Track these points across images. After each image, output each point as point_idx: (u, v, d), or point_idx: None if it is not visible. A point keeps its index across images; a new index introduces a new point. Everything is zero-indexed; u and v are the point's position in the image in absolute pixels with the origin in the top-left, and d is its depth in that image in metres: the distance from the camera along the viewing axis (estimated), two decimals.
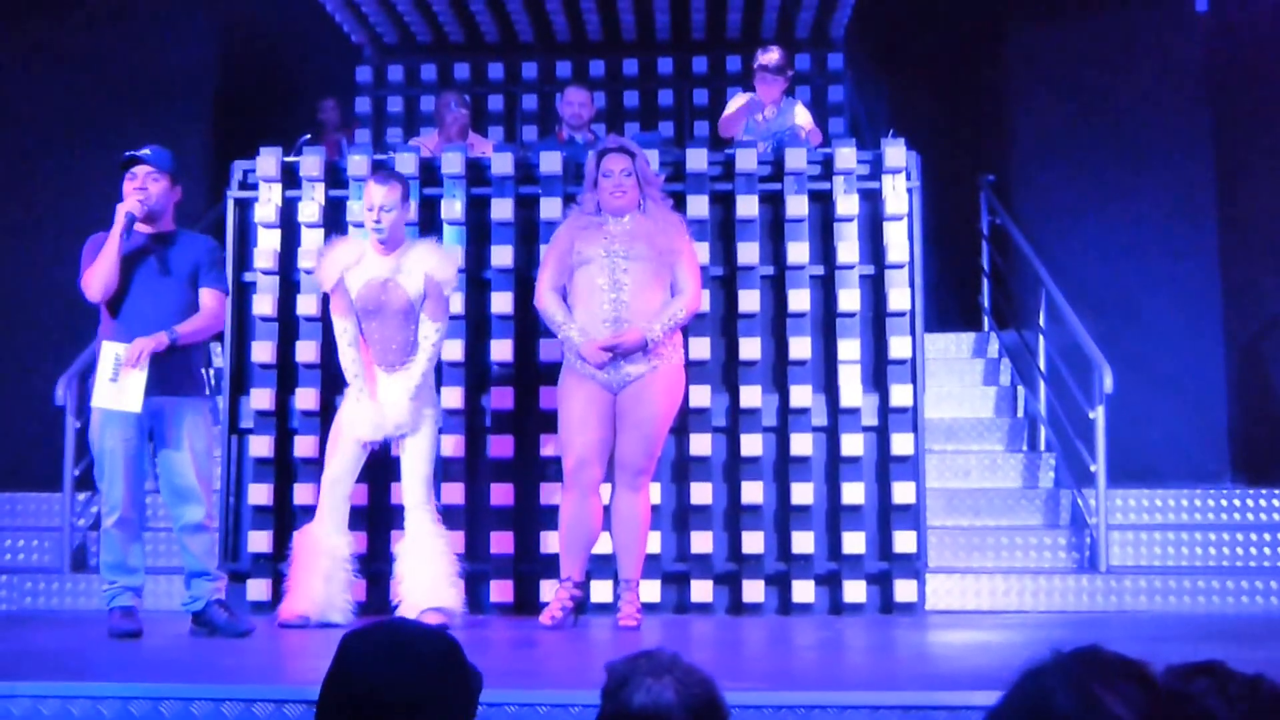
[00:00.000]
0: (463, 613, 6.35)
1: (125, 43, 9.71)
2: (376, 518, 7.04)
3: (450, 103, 8.86)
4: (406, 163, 7.32)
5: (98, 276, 6.01)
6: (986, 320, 9.44)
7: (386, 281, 6.40)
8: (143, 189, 6.14)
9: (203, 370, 6.36)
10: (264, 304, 7.28)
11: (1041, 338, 8.43)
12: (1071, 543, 7.42)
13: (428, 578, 6.23)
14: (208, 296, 6.21)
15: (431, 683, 2.38)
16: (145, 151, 6.19)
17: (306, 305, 7.21)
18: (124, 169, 6.17)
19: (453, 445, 7.11)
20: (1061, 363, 8.04)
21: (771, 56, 8.25)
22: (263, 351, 7.25)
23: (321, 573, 6.33)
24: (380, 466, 6.75)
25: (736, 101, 8.41)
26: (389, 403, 6.34)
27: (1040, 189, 9.24)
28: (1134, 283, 8.83)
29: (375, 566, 6.93)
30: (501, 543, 7.07)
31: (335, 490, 6.43)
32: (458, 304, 7.12)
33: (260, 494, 7.17)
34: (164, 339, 6.03)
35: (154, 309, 6.08)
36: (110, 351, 5.99)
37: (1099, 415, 7.27)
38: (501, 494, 7.11)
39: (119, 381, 5.97)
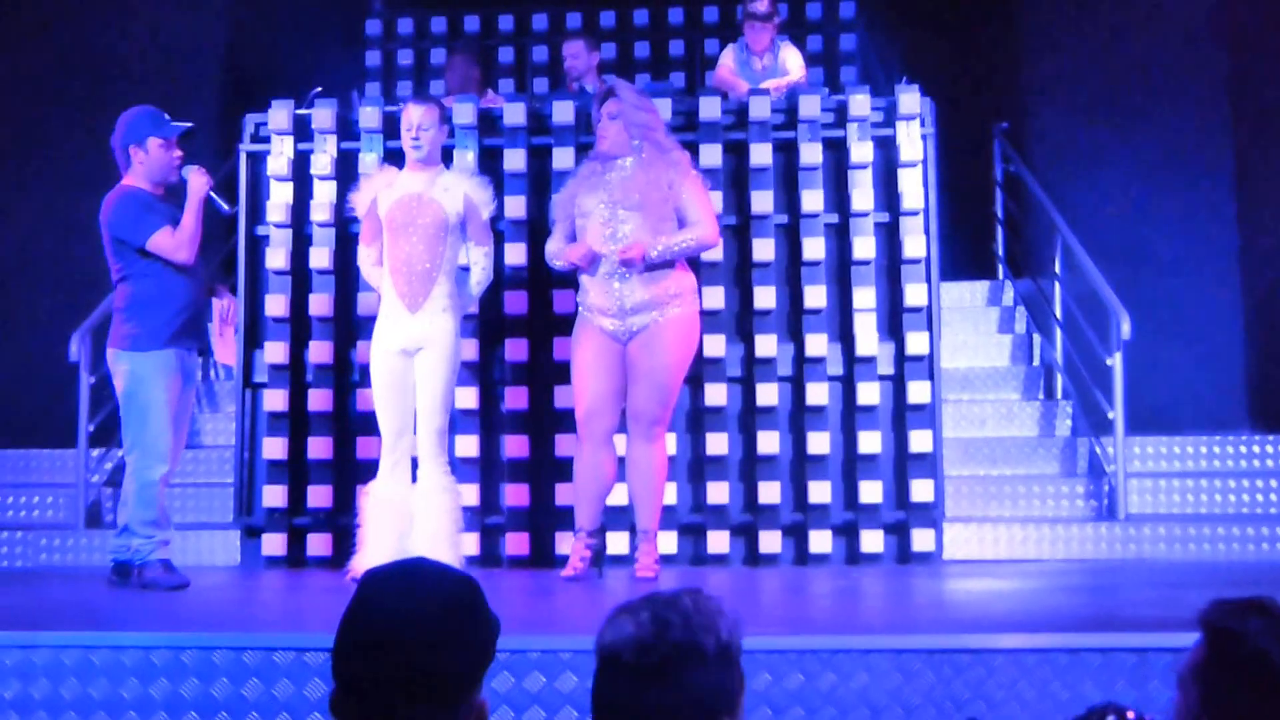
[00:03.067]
0: (463, 566, 6.33)
1: None
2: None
3: (456, 61, 8.81)
4: None
5: (191, 243, 6.28)
6: (1001, 269, 9.42)
7: (420, 196, 6.40)
8: (187, 161, 6.43)
9: None
10: (277, 257, 7.29)
11: (1057, 285, 8.40)
12: (1089, 491, 7.42)
13: (430, 533, 6.24)
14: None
15: (450, 621, 2.35)
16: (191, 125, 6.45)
17: (319, 258, 7.23)
18: (171, 138, 6.38)
19: (467, 398, 7.12)
20: (1078, 310, 8.04)
21: (760, 4, 8.29)
22: (276, 305, 7.27)
23: (395, 531, 6.28)
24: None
25: (726, 62, 8.41)
26: (420, 315, 6.33)
27: (1055, 136, 9.18)
28: (1150, 230, 8.79)
29: None
30: (517, 495, 7.07)
31: (399, 445, 6.38)
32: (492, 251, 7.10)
33: (275, 448, 7.18)
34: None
35: (198, 269, 6.43)
36: (217, 308, 6.48)
37: (1117, 362, 7.27)
38: (516, 446, 7.11)
39: (224, 337, 6.41)
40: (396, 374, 6.35)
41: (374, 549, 6.25)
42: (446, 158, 7.20)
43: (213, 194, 6.38)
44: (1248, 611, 2.44)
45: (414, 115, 6.42)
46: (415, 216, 6.36)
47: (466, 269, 6.53)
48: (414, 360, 6.35)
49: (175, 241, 6.22)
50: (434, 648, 2.32)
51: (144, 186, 6.34)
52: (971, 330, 8.74)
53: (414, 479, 6.39)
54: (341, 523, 6.91)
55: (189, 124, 6.45)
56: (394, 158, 6.94)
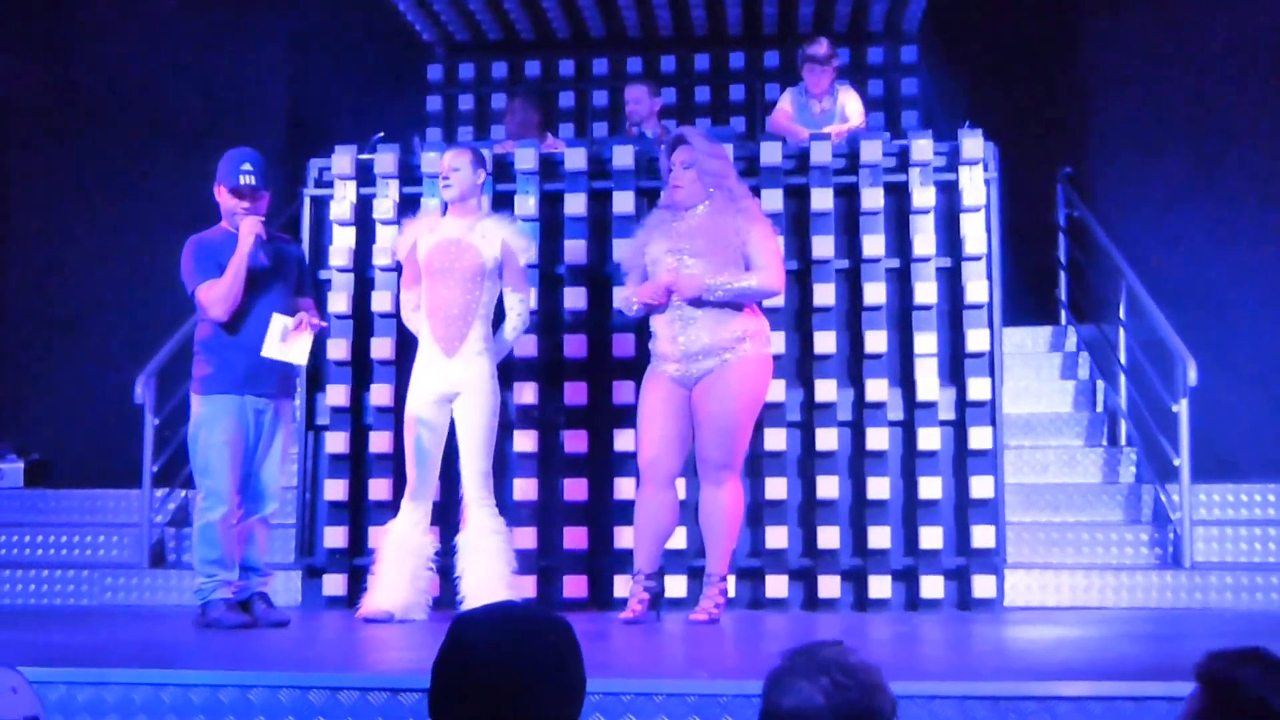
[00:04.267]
0: None
1: (202, 45, 9.91)
2: (448, 513, 7.01)
3: (516, 106, 8.90)
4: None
5: (227, 298, 6.26)
6: (1064, 314, 9.39)
7: (459, 240, 6.51)
8: (258, 210, 6.38)
9: None
10: (339, 301, 7.37)
11: (1122, 331, 8.38)
12: (1154, 538, 7.39)
13: (483, 576, 6.31)
14: (310, 305, 6.58)
15: (547, 665, 2.37)
16: (254, 181, 6.40)
17: (381, 302, 7.28)
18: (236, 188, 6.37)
19: (526, 441, 7.17)
20: (1143, 356, 8.00)
21: (819, 48, 8.33)
22: (338, 348, 7.34)
23: (408, 572, 6.40)
24: (452, 462, 6.75)
25: (784, 107, 8.48)
26: (456, 360, 6.43)
27: (1119, 180, 9.19)
28: (1216, 275, 8.73)
29: (447, 561, 6.93)
30: (575, 538, 7.11)
31: (422, 490, 6.49)
32: (531, 299, 7.12)
33: (336, 489, 7.26)
34: (321, 322, 6.55)
35: (266, 315, 6.32)
36: (279, 323, 6.29)
37: (1183, 408, 7.23)
38: (575, 489, 7.15)
39: (287, 342, 6.30)
40: (431, 421, 6.46)
41: (386, 590, 6.35)
42: (506, 203, 7.35)
43: (256, 245, 6.33)
44: (1242, 661, 2.49)
45: (444, 161, 6.63)
46: (453, 261, 6.47)
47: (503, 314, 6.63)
48: (452, 406, 6.46)
49: (211, 296, 6.26)
50: (530, 690, 2.35)
51: (228, 228, 6.39)
52: (1034, 376, 8.73)
53: (433, 522, 6.54)
54: None
55: (251, 180, 6.37)
56: None
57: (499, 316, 6.65)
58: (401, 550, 6.42)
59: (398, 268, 7.00)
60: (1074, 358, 8.84)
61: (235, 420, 6.25)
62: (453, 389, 6.45)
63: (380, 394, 7.24)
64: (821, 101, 8.39)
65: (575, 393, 7.22)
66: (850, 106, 8.39)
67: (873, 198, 7.17)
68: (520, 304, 6.60)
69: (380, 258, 7.31)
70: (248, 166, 6.38)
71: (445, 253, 6.50)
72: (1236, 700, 2.45)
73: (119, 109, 9.68)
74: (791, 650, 2.38)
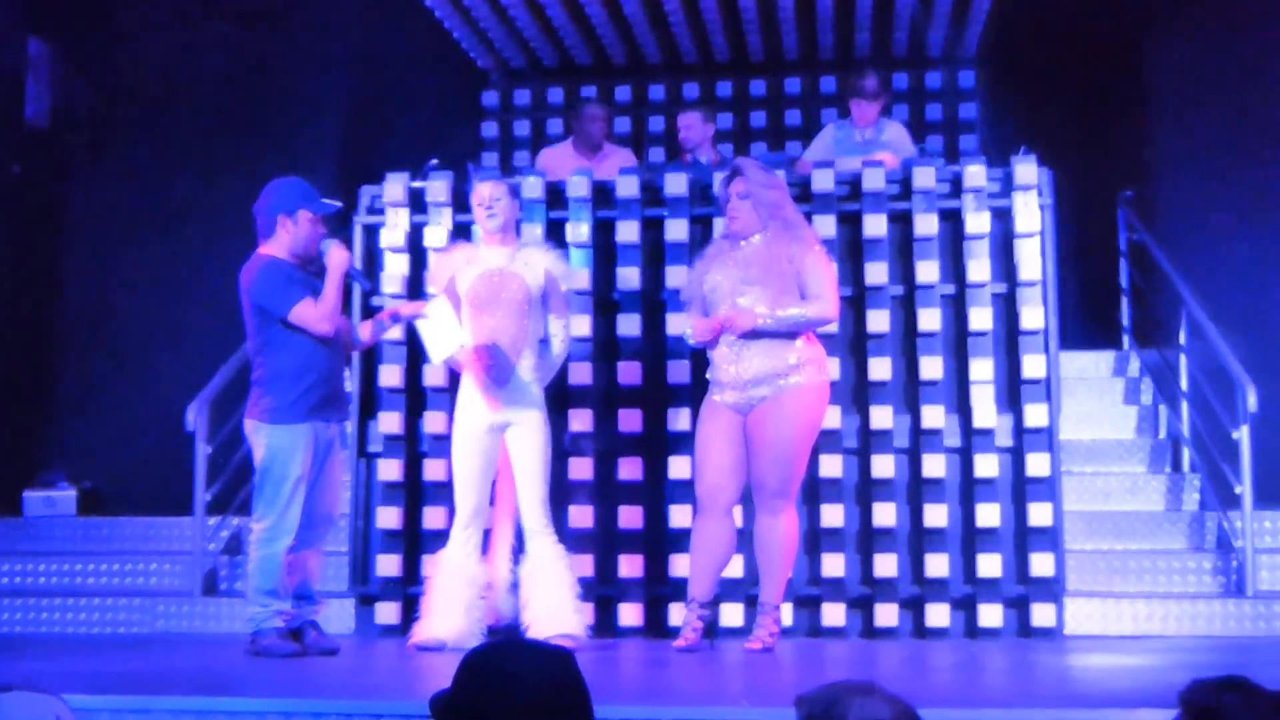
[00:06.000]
0: (587, 636, 6.47)
1: (255, 68, 10.05)
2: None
3: (588, 111, 9.03)
4: (533, 187, 7.45)
5: (332, 316, 6.38)
6: (1126, 339, 9.35)
7: (502, 271, 6.57)
8: (331, 237, 6.56)
9: None
10: (392, 329, 7.24)
11: (1183, 356, 8.33)
12: (1217, 567, 7.34)
13: (550, 603, 6.36)
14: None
15: (548, 694, 2.48)
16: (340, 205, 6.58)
17: None
18: (322, 214, 6.53)
19: (582, 468, 7.21)
20: (1205, 382, 7.97)
21: (867, 81, 8.36)
22: (391, 375, 7.40)
23: (462, 601, 6.44)
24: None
25: (817, 144, 8.51)
26: (507, 389, 6.48)
27: (1181, 205, 9.16)
28: (1277, 300, 8.70)
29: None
30: (631, 566, 7.14)
31: (475, 520, 6.54)
32: (585, 327, 7.26)
33: (389, 518, 7.30)
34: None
35: (335, 336, 6.47)
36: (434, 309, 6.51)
37: (1244, 435, 7.20)
38: (631, 517, 7.18)
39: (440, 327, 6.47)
40: (483, 450, 6.52)
41: (440, 619, 6.39)
42: (559, 229, 7.40)
43: (353, 269, 6.53)
44: (1223, 689, 2.58)
45: (484, 191, 6.67)
46: (499, 291, 6.54)
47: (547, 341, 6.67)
48: (504, 436, 6.52)
49: (318, 313, 6.32)
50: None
51: (283, 257, 6.44)
52: (1096, 401, 8.67)
53: (485, 551, 6.59)
54: None
55: (339, 204, 6.56)
56: None
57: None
58: (454, 579, 6.47)
59: None
60: (1136, 383, 8.80)
61: (309, 452, 6.32)
62: (504, 419, 6.51)
63: (434, 421, 7.28)
64: (865, 132, 8.40)
65: (629, 420, 7.25)
66: (898, 140, 8.40)
67: (926, 224, 7.19)
68: (564, 330, 6.68)
69: (433, 285, 7.21)
70: (324, 198, 6.53)
71: (489, 284, 6.58)
72: None
73: (169, 133, 9.80)
74: (820, 685, 2.49)
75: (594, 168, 8.12)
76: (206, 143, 9.62)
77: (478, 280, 6.60)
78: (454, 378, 7.11)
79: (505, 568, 6.64)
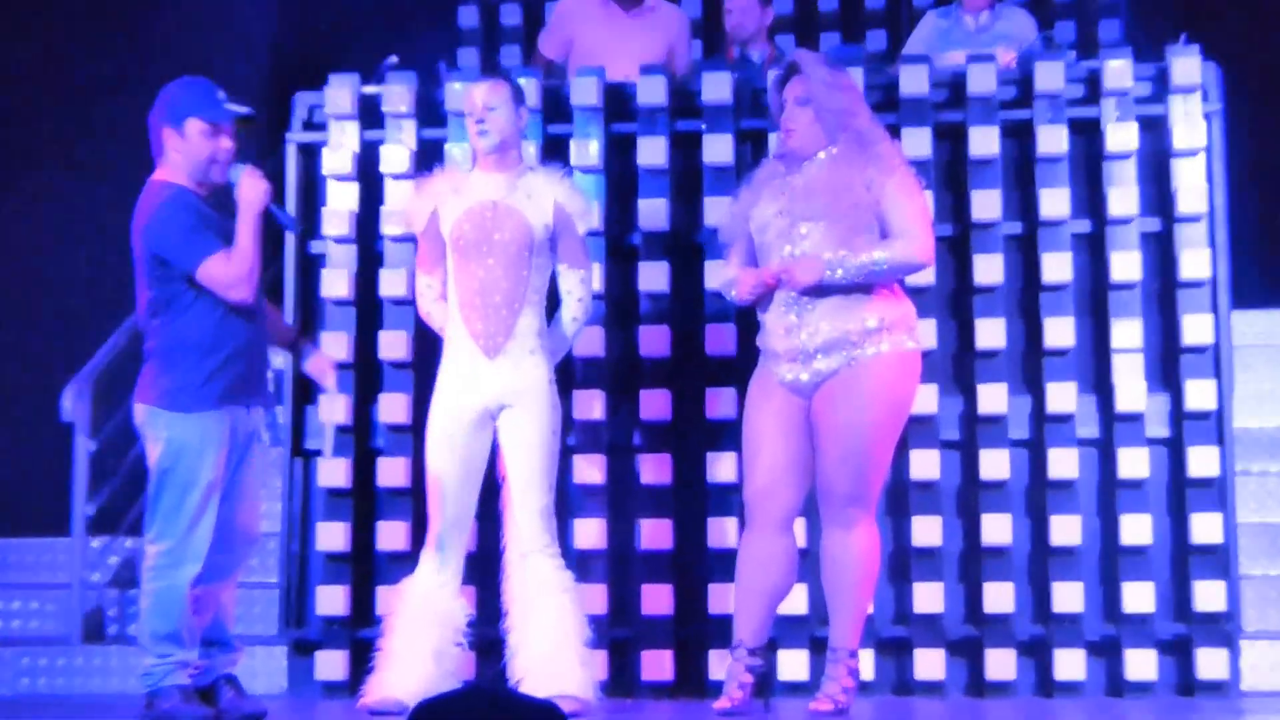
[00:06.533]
0: (597, 695, 6.26)
1: None
2: (488, 567, 6.83)
3: None
4: (526, 91, 7.05)
5: (251, 276, 6.02)
6: None
7: (497, 204, 6.31)
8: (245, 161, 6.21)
9: None
10: (337, 283, 7.29)
11: None
12: None
13: (547, 650, 6.13)
14: None
15: None
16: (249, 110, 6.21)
17: (393, 284, 7.20)
18: (220, 123, 6.13)
19: (591, 470, 7.09)
20: None
21: None
22: (336, 345, 7.19)
23: (431, 646, 6.21)
24: (492, 498, 6.57)
25: (923, 34, 8.51)
26: (501, 362, 6.28)
27: None
28: None
29: (487, 632, 6.77)
30: (657, 600, 6.98)
31: (453, 537, 6.32)
32: (595, 279, 7.01)
33: (333, 537, 7.16)
34: None
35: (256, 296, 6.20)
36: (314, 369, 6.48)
37: None
38: (656, 534, 7.05)
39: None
40: (467, 443, 6.30)
41: (401, 671, 6.19)
42: (562, 148, 7.31)
43: (273, 206, 6.12)
44: None
45: (477, 95, 6.38)
46: (491, 231, 6.30)
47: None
48: (497, 423, 6.31)
49: (232, 273, 5.95)
50: None
51: (184, 183, 6.09)
52: (1279, 378, 8.46)
53: (465, 581, 6.45)
54: None
55: (246, 109, 6.16)
56: None
57: (553, 303, 6.46)
58: (421, 618, 6.24)
59: (414, 241, 6.79)
60: None
61: (224, 449, 6.01)
62: (497, 401, 6.25)
63: (392, 407, 7.16)
64: (978, 18, 8.40)
65: (654, 404, 7.12)
66: (1021, 31, 8.37)
67: (1053, 139, 7.09)
68: (581, 285, 6.42)
69: (392, 225, 7.19)
70: (222, 95, 6.11)
71: (479, 221, 6.31)
72: None
73: (34, 29, 9.54)
74: None
75: (632, 25, 8.25)
76: (85, 42, 9.37)
77: (464, 217, 6.31)
78: (423, 349, 6.98)
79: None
